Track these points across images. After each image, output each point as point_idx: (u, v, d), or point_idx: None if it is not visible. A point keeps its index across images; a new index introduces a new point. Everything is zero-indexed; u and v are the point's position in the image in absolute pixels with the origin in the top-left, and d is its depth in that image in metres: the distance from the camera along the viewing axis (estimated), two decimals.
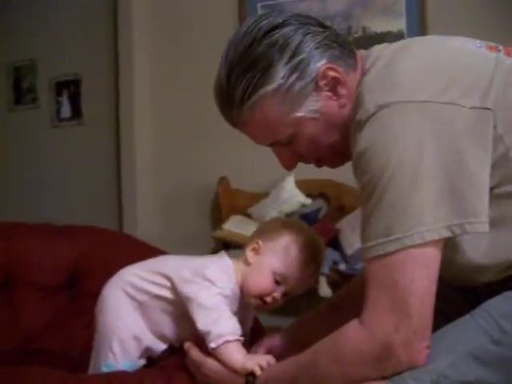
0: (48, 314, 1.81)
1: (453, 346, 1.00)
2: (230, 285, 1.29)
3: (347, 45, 1.14)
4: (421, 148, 0.95)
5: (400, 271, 0.95)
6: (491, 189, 0.99)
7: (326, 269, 2.46)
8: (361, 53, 1.17)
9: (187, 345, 1.29)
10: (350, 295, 1.41)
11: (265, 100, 1.08)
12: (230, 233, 2.78)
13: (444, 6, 2.76)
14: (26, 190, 3.64)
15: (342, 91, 1.10)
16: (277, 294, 1.29)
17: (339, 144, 1.14)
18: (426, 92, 0.98)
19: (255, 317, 1.47)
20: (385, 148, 0.97)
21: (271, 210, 2.79)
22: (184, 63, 3.25)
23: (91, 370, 1.35)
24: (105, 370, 1.30)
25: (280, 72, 1.07)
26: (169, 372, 1.27)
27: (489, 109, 0.98)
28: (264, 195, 2.93)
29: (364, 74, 1.09)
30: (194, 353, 1.26)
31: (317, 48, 1.08)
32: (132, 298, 1.33)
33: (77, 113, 3.55)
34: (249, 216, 2.90)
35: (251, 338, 1.38)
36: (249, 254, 1.33)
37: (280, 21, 1.09)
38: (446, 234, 0.95)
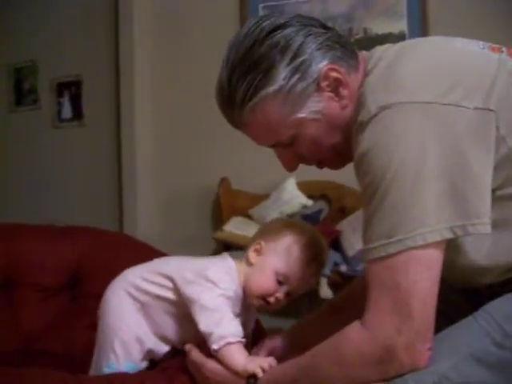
0: (49, 315, 1.81)
1: (455, 348, 1.00)
2: (233, 286, 1.29)
3: (349, 46, 1.14)
4: (423, 149, 0.95)
5: (402, 273, 0.95)
6: (493, 190, 0.98)
7: (326, 270, 2.46)
8: (363, 54, 1.17)
9: (188, 346, 1.28)
10: (351, 297, 1.41)
11: (266, 101, 1.08)
12: (230, 234, 2.78)
13: (445, 7, 2.76)
14: (27, 190, 3.64)
15: (344, 92, 1.10)
16: (279, 295, 1.29)
17: (341, 145, 1.13)
18: (429, 93, 0.98)
19: (256, 319, 1.47)
20: (387, 149, 0.97)
21: (272, 211, 2.78)
22: (185, 64, 3.25)
23: (92, 371, 1.35)
24: (106, 371, 1.29)
25: (281, 73, 1.06)
26: (170, 374, 1.27)
27: (491, 110, 0.98)
28: (265, 196, 2.92)
29: (366, 75, 1.09)
30: (195, 354, 1.26)
31: (319, 49, 1.08)
32: (135, 298, 1.33)
33: (78, 114, 3.54)
34: (250, 217, 2.90)
35: (252, 340, 1.38)
36: (251, 254, 1.33)
37: (282, 22, 1.09)
38: (449, 235, 0.95)
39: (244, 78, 1.08)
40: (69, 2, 3.54)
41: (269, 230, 1.36)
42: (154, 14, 3.30)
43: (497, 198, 0.99)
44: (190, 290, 1.27)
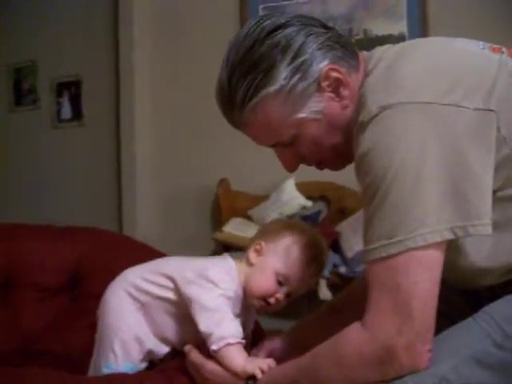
0: (49, 315, 1.81)
1: (455, 349, 0.99)
2: (233, 286, 1.29)
3: (350, 46, 1.14)
4: (423, 149, 0.95)
5: (403, 273, 0.95)
6: (494, 191, 0.98)
7: (325, 272, 2.45)
8: (363, 54, 1.16)
9: (187, 347, 1.28)
10: (351, 298, 1.41)
11: (267, 101, 1.08)
12: (230, 235, 2.77)
13: (445, 8, 2.76)
14: (26, 191, 3.63)
15: (345, 92, 1.10)
16: (280, 295, 1.29)
17: (341, 146, 1.13)
18: (429, 93, 0.98)
19: (256, 320, 1.47)
20: (387, 149, 0.97)
21: (271, 212, 2.78)
22: (185, 64, 3.25)
23: (91, 371, 1.35)
24: (105, 370, 1.29)
25: (282, 73, 1.06)
26: (169, 375, 1.27)
27: (492, 110, 0.98)
28: (264, 197, 2.92)
29: (366, 75, 1.09)
30: (194, 355, 1.26)
31: (319, 49, 1.08)
32: (135, 299, 1.33)
33: (77, 114, 3.54)
34: (249, 218, 2.90)
35: (252, 341, 1.37)
36: (251, 254, 1.33)
37: (282, 21, 1.09)
38: (449, 236, 0.95)
39: (244, 78, 1.08)
40: (69, 1, 3.54)
41: (269, 231, 1.36)
42: (154, 14, 3.30)
43: (498, 199, 0.98)
44: (190, 290, 1.27)
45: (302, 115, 1.09)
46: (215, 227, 3.05)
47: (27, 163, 3.68)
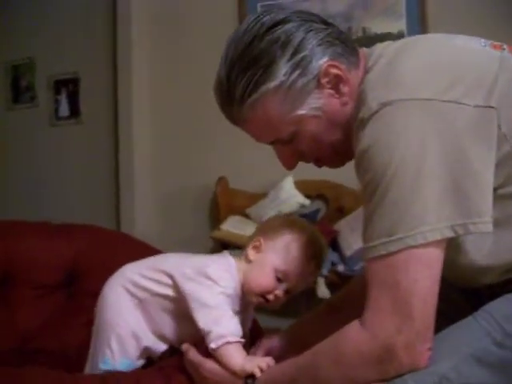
0: (45, 313, 1.80)
1: (455, 347, 0.99)
2: (233, 283, 1.28)
3: (350, 42, 1.13)
4: (423, 146, 0.94)
5: (403, 271, 0.94)
6: (495, 189, 0.97)
7: (324, 270, 2.46)
8: (363, 51, 1.16)
9: (185, 346, 1.28)
10: (350, 296, 1.40)
11: (266, 97, 1.07)
12: (228, 233, 2.77)
13: (444, 6, 2.76)
14: (24, 188, 3.63)
15: (344, 89, 1.09)
16: (279, 292, 1.28)
17: (341, 143, 1.13)
18: (429, 90, 0.97)
19: (254, 318, 1.47)
20: (387, 146, 0.96)
21: (270, 210, 2.78)
22: (183, 63, 3.25)
23: (88, 367, 1.35)
24: (102, 366, 1.29)
25: (282, 69, 1.05)
26: (167, 373, 1.26)
27: (492, 107, 0.97)
28: (262, 195, 2.92)
29: (366, 72, 1.08)
30: (193, 354, 1.25)
31: (319, 45, 1.07)
32: (132, 295, 1.32)
33: (75, 111, 3.54)
34: (247, 216, 2.90)
35: (250, 340, 1.37)
36: (250, 251, 1.33)
37: (282, 17, 1.08)
38: (449, 234, 0.94)
39: (244, 74, 1.07)
40: (68, 1, 3.54)
41: (268, 228, 1.35)
42: (152, 13, 3.30)
43: (498, 197, 0.98)
44: (189, 287, 1.26)
45: (301, 112, 1.08)
46: (213, 225, 3.05)
47: (25, 161, 3.67)
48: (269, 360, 1.17)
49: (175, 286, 1.29)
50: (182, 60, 3.25)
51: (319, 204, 2.89)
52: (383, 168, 0.96)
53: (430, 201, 0.94)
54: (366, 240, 1.00)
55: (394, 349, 0.95)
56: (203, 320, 1.22)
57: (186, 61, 3.23)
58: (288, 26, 1.07)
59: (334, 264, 2.52)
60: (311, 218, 2.72)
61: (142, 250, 1.75)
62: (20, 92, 3.74)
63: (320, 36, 1.08)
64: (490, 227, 0.95)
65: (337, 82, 1.09)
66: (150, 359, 1.36)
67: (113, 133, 3.34)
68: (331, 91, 1.09)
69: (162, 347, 1.34)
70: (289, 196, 2.83)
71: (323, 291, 2.45)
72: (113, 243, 1.93)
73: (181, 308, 1.28)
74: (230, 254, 1.36)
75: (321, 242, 1.34)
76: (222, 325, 1.21)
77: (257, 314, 1.47)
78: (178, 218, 3.24)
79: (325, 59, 1.07)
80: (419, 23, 2.79)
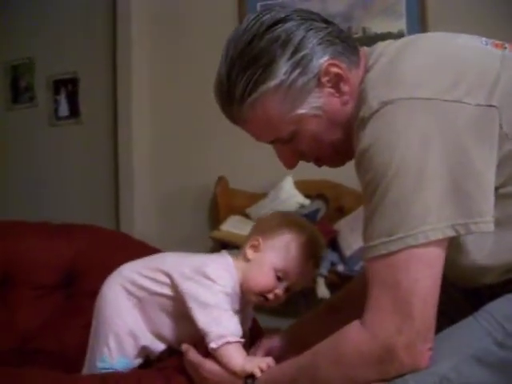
0: (45, 313, 1.80)
1: (456, 348, 0.99)
2: (231, 282, 1.28)
3: (350, 41, 1.13)
4: (425, 145, 0.94)
5: (403, 271, 0.94)
6: (496, 188, 0.97)
7: (324, 270, 2.45)
8: (364, 50, 1.15)
9: (185, 346, 1.27)
10: (350, 296, 1.40)
11: (266, 96, 1.07)
12: (227, 233, 2.77)
13: (444, 6, 2.76)
14: (23, 188, 3.62)
15: (345, 88, 1.09)
16: (279, 291, 1.28)
17: (341, 142, 1.12)
18: (431, 89, 0.97)
19: (254, 318, 1.46)
20: (389, 145, 0.96)
21: (269, 210, 2.75)
22: (182, 63, 3.24)
23: (86, 365, 1.34)
24: (100, 365, 1.29)
25: (282, 68, 1.05)
26: (167, 374, 1.26)
27: (494, 106, 0.97)
28: (262, 195, 2.92)
29: (367, 70, 1.08)
30: (192, 354, 1.25)
31: (320, 44, 1.06)
32: (131, 294, 1.32)
33: (74, 111, 3.53)
34: (247, 216, 2.89)
35: (250, 340, 1.37)
36: (248, 251, 1.32)
37: (282, 16, 1.08)
38: (451, 233, 0.94)
39: (243, 73, 1.06)
40: (68, 1, 3.53)
41: (266, 226, 1.34)
42: (152, 13, 3.29)
43: (500, 196, 0.97)
44: (187, 286, 1.26)
45: (301, 111, 1.08)
46: (213, 225, 3.04)
47: (24, 161, 3.67)
48: (269, 360, 1.17)
49: (173, 286, 1.29)
50: (182, 60, 3.24)
51: (319, 204, 2.89)
52: (384, 168, 0.95)
53: (431, 200, 0.93)
54: (366, 239, 1.00)
55: (394, 349, 0.95)
56: (203, 319, 1.22)
57: (186, 61, 3.23)
58: (288, 25, 1.06)
59: (333, 264, 2.51)
60: (311, 217, 2.72)
61: (141, 251, 1.74)
62: (19, 92, 3.73)
63: (320, 35, 1.07)
64: (491, 227, 0.95)
65: (337, 81, 1.08)
66: (148, 358, 1.35)
67: (112, 133, 3.34)
68: (332, 90, 1.08)
69: (160, 347, 1.34)
70: (289, 196, 2.82)
71: (323, 291, 2.45)
72: (112, 243, 1.93)
73: (179, 308, 1.28)
74: (228, 253, 1.35)
75: (320, 240, 1.34)
76: (222, 324, 1.20)
77: (257, 313, 1.47)
78: (177, 218, 3.24)
79: (325, 58, 1.06)
80: (419, 23, 2.78)
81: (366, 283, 1.00)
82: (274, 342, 1.37)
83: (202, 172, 3.14)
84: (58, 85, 3.57)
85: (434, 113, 0.95)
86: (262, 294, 1.28)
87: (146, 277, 1.32)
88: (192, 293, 1.25)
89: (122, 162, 3.27)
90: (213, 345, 1.19)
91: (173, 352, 1.34)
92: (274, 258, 1.28)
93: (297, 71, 1.05)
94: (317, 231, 1.36)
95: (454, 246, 0.99)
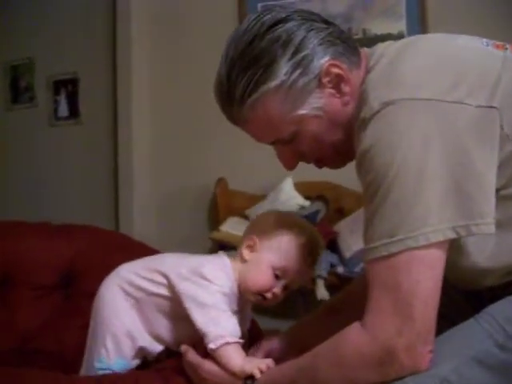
0: (45, 313, 1.79)
1: (456, 350, 0.98)
2: (229, 283, 1.27)
3: (351, 42, 1.13)
4: (426, 146, 0.94)
5: (404, 272, 0.94)
6: (498, 190, 0.97)
7: (323, 272, 2.45)
8: (365, 51, 1.15)
9: (184, 347, 1.27)
10: (349, 298, 1.40)
11: (267, 97, 1.06)
12: (227, 234, 2.76)
13: (445, 7, 2.76)
14: (23, 188, 3.62)
15: (346, 89, 1.08)
16: (277, 290, 1.28)
17: (342, 143, 1.12)
18: (431, 90, 0.97)
19: (253, 319, 1.46)
20: (390, 146, 0.95)
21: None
22: (182, 63, 3.24)
23: (84, 366, 1.34)
24: (97, 365, 1.28)
25: (283, 68, 1.05)
26: (165, 375, 1.25)
27: (494, 107, 0.96)
28: (262, 197, 2.91)
29: (368, 71, 1.08)
30: (191, 355, 1.24)
31: (320, 44, 1.06)
32: (128, 294, 1.32)
33: (74, 112, 3.53)
34: (246, 217, 2.88)
35: (249, 341, 1.36)
36: (244, 251, 1.32)
37: (283, 16, 1.07)
38: (452, 235, 0.93)
39: (244, 74, 1.06)
40: (68, 1, 3.53)
41: (262, 226, 1.34)
42: (152, 13, 3.29)
43: (501, 198, 0.97)
44: (185, 287, 1.25)
45: (302, 112, 1.08)
46: (212, 226, 3.04)
47: (24, 161, 3.66)
48: (268, 361, 1.17)
49: (170, 286, 1.28)
50: (182, 60, 3.24)
51: (319, 205, 2.88)
52: (385, 168, 0.95)
53: (432, 202, 0.93)
54: (366, 241, 0.99)
55: (394, 351, 0.94)
56: (201, 320, 1.21)
57: (186, 61, 3.22)
58: (289, 25, 1.06)
59: (333, 266, 2.51)
60: (311, 219, 2.71)
61: (140, 251, 1.74)
62: (19, 92, 3.73)
63: (321, 35, 1.07)
64: (492, 228, 0.94)
65: (338, 82, 1.08)
66: (146, 359, 1.35)
67: (112, 133, 3.34)
68: (332, 91, 1.08)
69: (157, 348, 1.33)
70: (288, 197, 2.82)
71: (322, 293, 2.44)
72: (112, 244, 1.93)
73: (177, 309, 1.27)
74: (226, 254, 1.35)
75: (318, 237, 1.34)
76: (221, 325, 1.20)
77: (256, 315, 1.46)
78: (177, 219, 3.23)
79: (326, 58, 1.06)
80: (419, 24, 2.78)
81: (367, 285, 0.99)
82: (273, 343, 1.37)
83: (202, 172, 3.14)
84: (57, 85, 3.57)
85: (435, 114, 0.95)
86: (260, 294, 1.27)
87: (143, 277, 1.32)
88: (189, 293, 1.24)
89: (122, 162, 3.26)
90: (211, 345, 1.18)
91: (171, 353, 1.34)
92: (272, 257, 1.27)
93: (297, 71, 1.05)
94: (314, 229, 1.36)
95: (454, 248, 0.98)
